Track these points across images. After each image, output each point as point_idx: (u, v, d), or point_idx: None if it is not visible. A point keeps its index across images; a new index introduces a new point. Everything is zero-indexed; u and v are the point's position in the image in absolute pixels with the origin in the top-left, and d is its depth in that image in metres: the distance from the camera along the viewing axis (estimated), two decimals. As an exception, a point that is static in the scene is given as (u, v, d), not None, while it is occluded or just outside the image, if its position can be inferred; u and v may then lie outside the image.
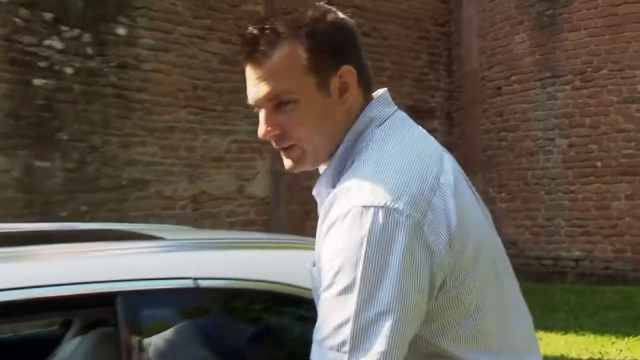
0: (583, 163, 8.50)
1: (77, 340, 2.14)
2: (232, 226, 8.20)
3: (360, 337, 1.16)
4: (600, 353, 5.66)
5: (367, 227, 1.16)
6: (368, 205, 1.17)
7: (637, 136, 8.12)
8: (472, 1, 10.15)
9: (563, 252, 8.68)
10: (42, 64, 6.98)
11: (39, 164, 6.89)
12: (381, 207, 1.16)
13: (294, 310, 2.06)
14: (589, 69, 8.37)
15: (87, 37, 7.29)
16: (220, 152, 8.04)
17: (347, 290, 1.18)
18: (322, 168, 1.45)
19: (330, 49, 1.32)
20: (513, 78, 9.14)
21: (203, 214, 8.20)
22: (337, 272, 1.20)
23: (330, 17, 1.34)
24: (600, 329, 6.23)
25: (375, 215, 1.16)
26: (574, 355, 5.64)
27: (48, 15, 7.04)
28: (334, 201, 1.27)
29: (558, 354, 5.65)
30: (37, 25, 6.98)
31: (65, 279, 1.64)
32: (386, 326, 1.15)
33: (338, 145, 1.37)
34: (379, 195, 1.19)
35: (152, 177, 7.66)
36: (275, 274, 1.95)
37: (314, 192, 1.47)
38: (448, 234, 1.20)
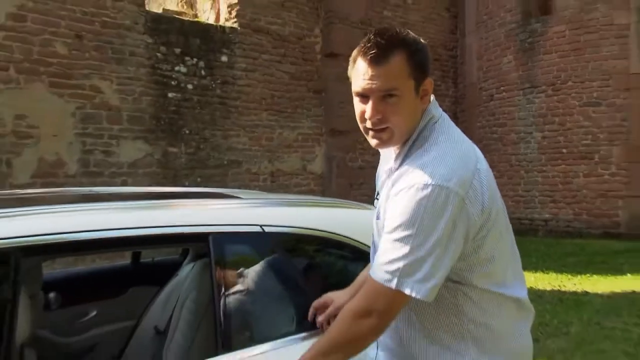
0: (553, 150, 8.92)
1: (189, 265, 2.29)
2: (298, 194, 8.22)
3: (408, 269, 1.27)
4: (559, 286, 6.05)
5: (426, 197, 1.25)
6: (429, 183, 1.25)
7: (593, 130, 8.51)
8: (472, 32, 10.53)
9: (536, 214, 9.16)
10: (173, 82, 7.72)
11: (171, 150, 7.62)
12: (438, 185, 1.25)
13: (337, 251, 2.04)
14: (558, 81, 8.84)
15: (201, 64, 7.97)
16: (290, 142, 8.70)
17: (405, 237, 1.28)
18: (392, 151, 1.46)
19: (423, 63, 1.37)
20: (502, 88, 9.59)
21: (278, 185, 8.67)
22: (400, 224, 1.27)
23: (421, 40, 1.38)
24: (560, 269, 6.63)
25: (433, 191, 1.25)
26: (540, 287, 5.94)
27: (177, 50, 7.75)
28: (403, 175, 1.36)
29: (529, 286, 5.96)
30: (171, 57, 7.70)
31: (181, 222, 1.76)
32: (427, 264, 1.25)
33: (410, 134, 1.40)
34: (436, 176, 1.27)
35: (243, 159, 8.26)
36: (324, 224, 1.99)
37: (385, 168, 1.50)
38: (482, 205, 1.29)
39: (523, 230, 9.18)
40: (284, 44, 8.90)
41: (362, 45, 1.33)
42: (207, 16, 8.83)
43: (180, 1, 9.28)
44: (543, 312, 4.89)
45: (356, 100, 1.41)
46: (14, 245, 1.56)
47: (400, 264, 1.28)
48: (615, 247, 7.60)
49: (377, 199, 1.55)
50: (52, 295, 2.62)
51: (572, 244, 8.10)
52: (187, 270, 2.26)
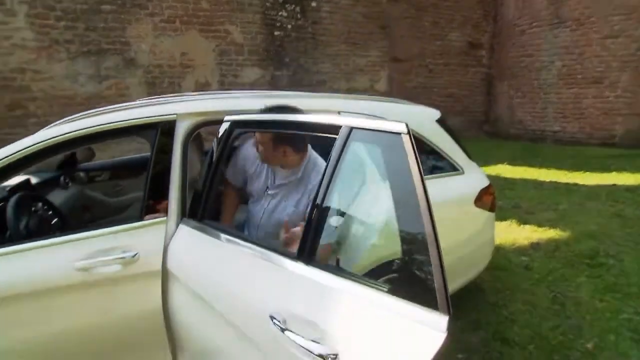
0: (569, 76, 7.77)
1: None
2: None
3: None
4: (557, 179, 5.63)
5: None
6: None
7: (607, 59, 7.28)
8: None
9: (548, 127, 8.27)
10: (278, 24, 7.51)
11: (277, 73, 7.61)
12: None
13: None
14: (583, 17, 7.46)
15: (297, 9, 7.65)
16: (362, 66, 8.42)
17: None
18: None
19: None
20: (534, 24, 8.20)
21: (351, 99, 8.74)
22: None
23: None
24: (560, 167, 6.19)
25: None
26: (542, 179, 5.56)
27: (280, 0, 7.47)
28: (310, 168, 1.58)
29: (533, 178, 5.62)
30: (276, 5, 7.45)
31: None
32: None
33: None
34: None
35: (327, 79, 8.13)
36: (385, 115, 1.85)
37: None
38: None
39: (535, 138, 8.49)
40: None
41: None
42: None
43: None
44: (542, 196, 4.81)
45: None
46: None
47: None
48: (608, 153, 6.95)
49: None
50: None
51: (573, 150, 7.47)
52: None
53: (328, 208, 1.11)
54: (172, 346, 1.58)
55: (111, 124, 1.63)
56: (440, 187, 1.87)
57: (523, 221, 3.89)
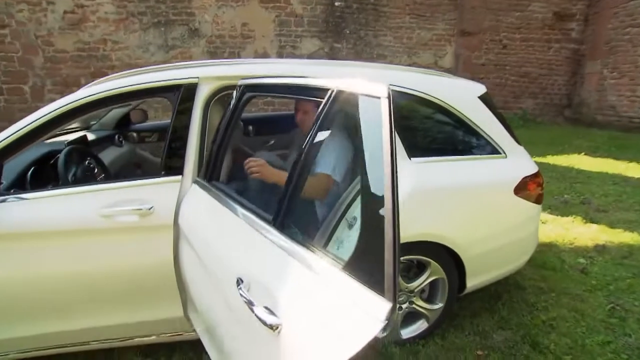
0: None
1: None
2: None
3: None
4: None
5: None
6: None
7: None
8: None
9: None
10: None
11: (336, 45, 7.17)
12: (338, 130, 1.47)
13: (423, 108, 1.74)
14: None
15: None
16: (426, 40, 7.54)
17: (333, 149, 1.48)
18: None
19: None
20: None
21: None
22: (329, 145, 1.41)
23: None
24: None
25: None
26: (631, 175, 4.58)
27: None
28: None
29: (617, 173, 4.72)
30: None
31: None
32: None
33: None
34: None
35: (388, 53, 7.45)
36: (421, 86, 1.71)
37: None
38: None
39: (629, 127, 6.90)
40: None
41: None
42: None
43: None
44: (622, 194, 3.97)
45: None
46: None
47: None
48: None
49: None
50: (250, 127, 2.87)
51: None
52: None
53: (304, 176, 1.09)
54: (183, 298, 1.62)
55: (137, 85, 1.66)
56: (474, 169, 1.73)
57: (590, 219, 3.29)
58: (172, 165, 1.65)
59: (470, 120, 1.78)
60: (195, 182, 1.61)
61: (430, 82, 1.88)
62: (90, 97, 1.61)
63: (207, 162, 1.58)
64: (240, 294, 1.00)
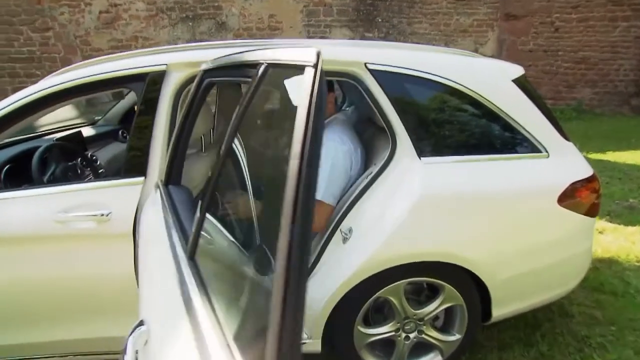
0: None
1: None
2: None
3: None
4: None
5: None
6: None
7: None
8: None
9: None
10: None
11: (367, 35, 6.76)
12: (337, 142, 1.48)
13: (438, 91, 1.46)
14: None
15: None
16: (466, 27, 6.88)
17: (324, 169, 1.38)
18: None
19: (330, 83, 1.58)
20: None
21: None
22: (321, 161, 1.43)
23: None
24: None
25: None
26: None
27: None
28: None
29: None
30: None
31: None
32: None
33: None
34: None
35: (423, 42, 6.74)
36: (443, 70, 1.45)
37: None
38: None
39: None
40: None
41: None
42: None
43: None
44: None
45: None
46: None
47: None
48: None
49: None
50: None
51: None
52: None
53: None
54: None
55: (100, 75, 1.49)
56: (503, 172, 1.43)
57: (665, 231, 2.78)
58: (135, 166, 1.46)
59: (500, 109, 1.44)
60: (157, 185, 1.42)
61: (447, 62, 1.57)
62: (41, 92, 1.45)
63: (167, 162, 1.38)
64: (130, 338, 0.78)
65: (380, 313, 1.53)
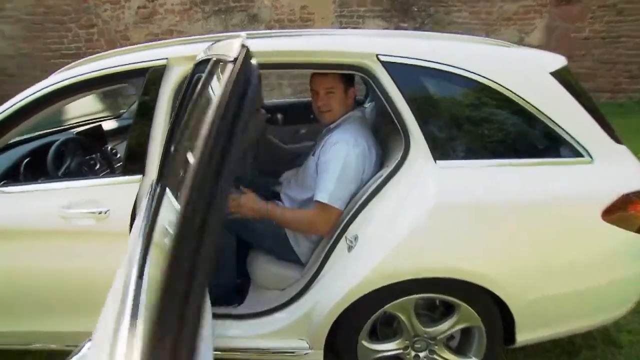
0: None
1: None
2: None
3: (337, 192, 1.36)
4: None
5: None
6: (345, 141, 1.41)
7: None
8: None
9: None
10: None
11: (402, 25, 6.47)
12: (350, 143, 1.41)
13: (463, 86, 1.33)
14: None
15: None
16: (510, 14, 6.33)
17: (333, 171, 1.39)
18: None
19: (350, 77, 1.53)
20: None
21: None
22: (331, 162, 1.39)
23: None
24: None
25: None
26: None
27: None
28: (332, 136, 1.49)
29: None
30: None
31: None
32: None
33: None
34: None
35: (463, 31, 6.21)
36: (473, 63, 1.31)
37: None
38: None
39: None
40: None
41: None
42: None
43: None
44: None
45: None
46: None
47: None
48: None
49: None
50: (278, 115, 2.65)
51: None
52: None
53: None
54: None
55: (101, 71, 1.47)
56: (534, 179, 1.25)
57: None
58: (134, 163, 1.45)
59: (533, 106, 1.27)
60: (151, 184, 1.39)
61: (471, 52, 1.40)
62: (46, 89, 1.46)
63: (160, 161, 1.35)
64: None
65: (390, 326, 1.44)
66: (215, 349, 1.39)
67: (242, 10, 6.53)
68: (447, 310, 1.39)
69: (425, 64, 1.25)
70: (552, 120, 1.27)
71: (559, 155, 1.29)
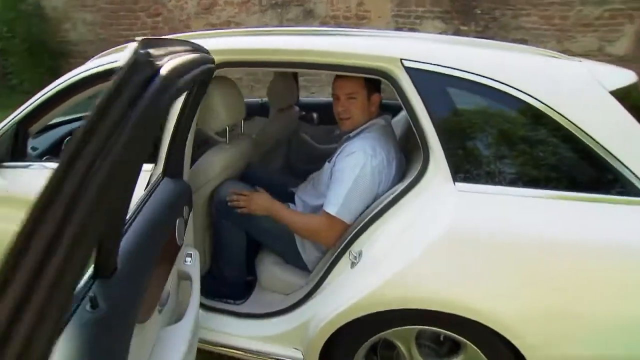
0: None
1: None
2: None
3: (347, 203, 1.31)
4: None
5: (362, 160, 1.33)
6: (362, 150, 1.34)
7: None
8: None
9: None
10: None
11: (462, 28, 6.13)
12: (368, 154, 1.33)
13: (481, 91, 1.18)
14: None
15: None
16: (591, 20, 5.64)
17: (347, 182, 1.33)
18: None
19: (374, 82, 1.45)
20: None
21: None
22: (345, 172, 1.33)
23: None
24: None
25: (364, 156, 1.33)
26: None
27: None
28: (350, 144, 1.44)
29: None
30: None
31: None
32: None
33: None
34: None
35: (529, 38, 5.90)
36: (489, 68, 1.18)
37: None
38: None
39: None
40: None
41: None
42: None
43: None
44: None
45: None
46: None
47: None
48: None
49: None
50: (314, 114, 2.67)
51: None
52: None
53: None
54: None
55: (110, 65, 1.49)
56: (572, 216, 1.07)
57: None
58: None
59: (580, 129, 1.08)
60: (158, 177, 1.35)
61: (509, 62, 1.20)
62: (84, 73, 1.52)
63: (165, 154, 1.32)
64: None
65: (392, 350, 1.32)
66: (209, 342, 1.30)
67: (298, 5, 6.54)
68: (456, 346, 1.24)
69: (454, 72, 1.12)
70: (605, 149, 1.06)
71: (609, 191, 1.08)
